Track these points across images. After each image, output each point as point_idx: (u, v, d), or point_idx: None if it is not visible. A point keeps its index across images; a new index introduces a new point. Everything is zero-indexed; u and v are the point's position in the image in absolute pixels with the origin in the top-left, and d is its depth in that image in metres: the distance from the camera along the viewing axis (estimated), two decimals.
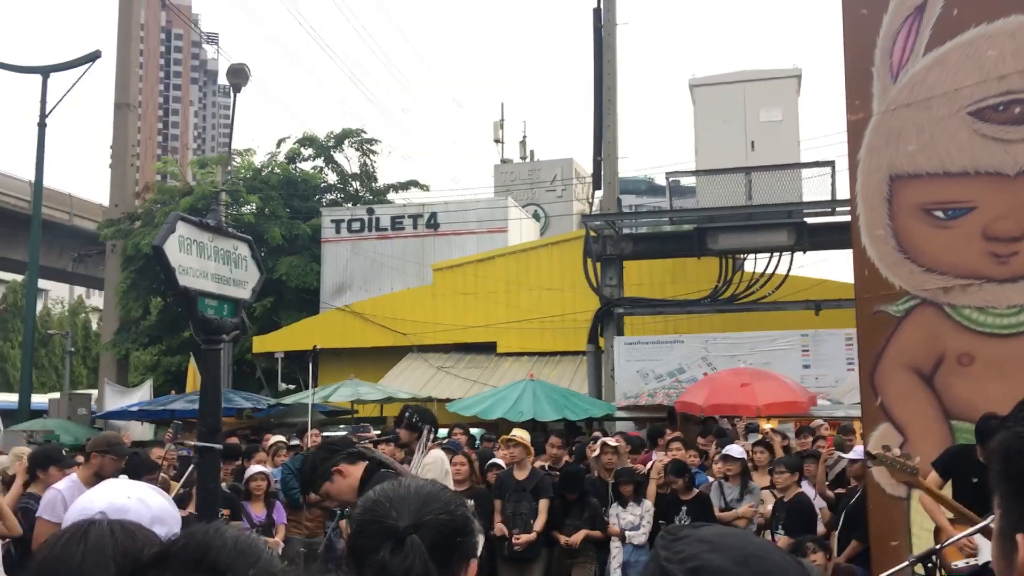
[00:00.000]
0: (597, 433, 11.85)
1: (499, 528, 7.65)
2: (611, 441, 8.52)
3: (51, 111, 21.85)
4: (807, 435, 10.06)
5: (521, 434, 8.05)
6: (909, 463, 5.00)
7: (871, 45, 6.71)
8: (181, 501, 6.78)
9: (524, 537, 7.55)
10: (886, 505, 6.40)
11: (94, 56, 22.17)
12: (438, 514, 1.57)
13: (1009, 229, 6.10)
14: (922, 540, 5.92)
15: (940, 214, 6.39)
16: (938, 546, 4.21)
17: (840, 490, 7.80)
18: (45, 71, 22.09)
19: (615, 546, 7.72)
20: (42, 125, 21.74)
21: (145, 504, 1.85)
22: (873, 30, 6.73)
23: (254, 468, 8.24)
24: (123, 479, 2.11)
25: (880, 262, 6.61)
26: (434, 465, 5.95)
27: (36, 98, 23.69)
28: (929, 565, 3.97)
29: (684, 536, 1.05)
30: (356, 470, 3.50)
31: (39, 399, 24.78)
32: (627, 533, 7.67)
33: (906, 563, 4.13)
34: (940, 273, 6.37)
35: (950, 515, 5.20)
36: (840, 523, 7.08)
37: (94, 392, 26.17)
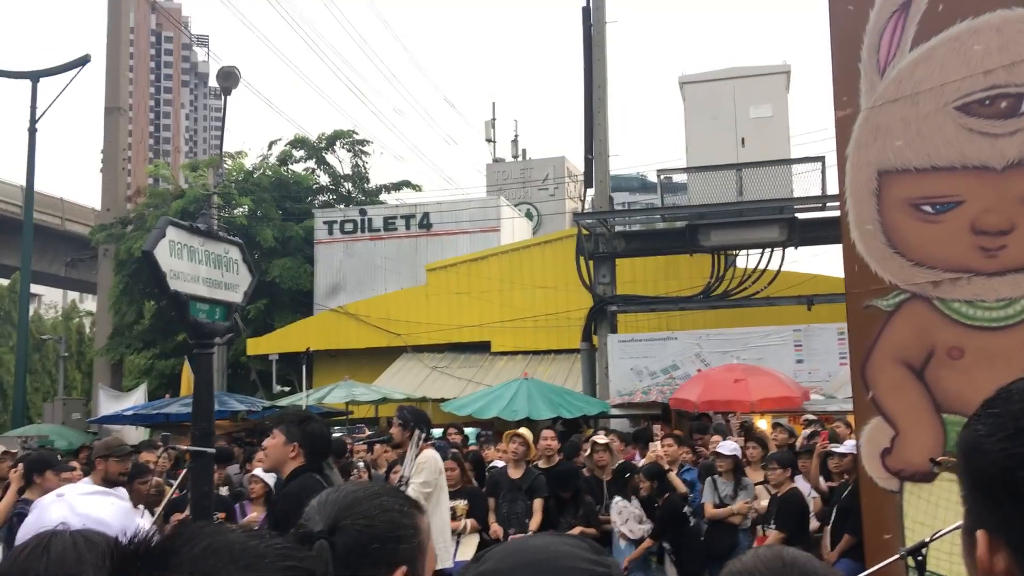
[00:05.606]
0: (591, 432, 11.88)
1: (495, 530, 7.64)
2: (601, 439, 8.53)
3: (41, 116, 21.85)
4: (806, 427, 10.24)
5: (524, 431, 8.06)
6: None
7: (858, 41, 6.74)
8: (176, 505, 6.80)
9: (520, 537, 7.54)
10: (878, 498, 6.43)
11: (84, 60, 22.15)
12: (355, 519, 1.58)
13: (997, 223, 6.12)
14: (915, 533, 5.94)
15: (928, 208, 6.41)
16: (928, 539, 4.23)
17: (831, 483, 7.83)
18: (35, 76, 22.06)
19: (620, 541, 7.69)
20: (32, 130, 21.71)
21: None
22: (860, 26, 6.76)
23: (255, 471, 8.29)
24: (75, 488, 2.06)
25: (870, 257, 6.63)
26: (427, 464, 6.01)
27: (26, 103, 23.59)
28: (920, 558, 3.99)
29: None
30: (286, 447, 3.80)
31: None
32: (625, 528, 7.63)
33: (897, 555, 4.15)
34: (929, 267, 6.39)
35: None
36: (833, 517, 7.12)
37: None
